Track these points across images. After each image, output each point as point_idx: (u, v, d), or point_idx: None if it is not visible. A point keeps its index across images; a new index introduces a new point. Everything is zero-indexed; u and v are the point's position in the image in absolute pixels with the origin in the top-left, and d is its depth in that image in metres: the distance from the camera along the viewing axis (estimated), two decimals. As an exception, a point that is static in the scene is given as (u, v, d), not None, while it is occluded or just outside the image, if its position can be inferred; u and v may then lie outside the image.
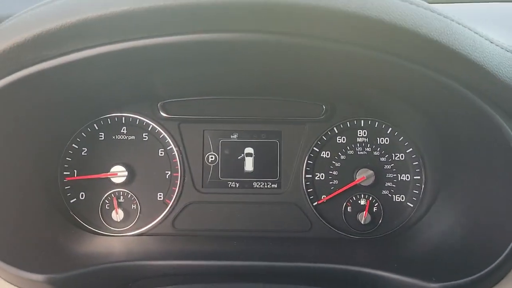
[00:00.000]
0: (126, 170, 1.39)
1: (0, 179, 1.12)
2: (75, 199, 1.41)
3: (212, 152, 1.44)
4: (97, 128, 1.43)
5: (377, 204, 1.42)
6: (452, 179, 1.25)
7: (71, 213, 1.40)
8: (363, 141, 1.43)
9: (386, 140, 1.43)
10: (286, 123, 1.43)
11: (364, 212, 1.39)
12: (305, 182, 1.42)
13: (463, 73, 0.88)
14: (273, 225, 1.41)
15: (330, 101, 1.41)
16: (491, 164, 1.05)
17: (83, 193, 1.42)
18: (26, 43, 0.85)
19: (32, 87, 0.98)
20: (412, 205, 1.41)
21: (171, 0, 0.80)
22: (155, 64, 1.06)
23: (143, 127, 1.43)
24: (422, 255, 1.21)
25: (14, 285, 1.05)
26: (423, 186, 1.40)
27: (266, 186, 1.44)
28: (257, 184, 1.44)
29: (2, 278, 1.05)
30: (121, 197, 1.42)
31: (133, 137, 1.43)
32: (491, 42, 0.88)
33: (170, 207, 1.42)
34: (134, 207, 1.42)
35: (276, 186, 1.44)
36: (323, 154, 1.43)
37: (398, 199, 1.42)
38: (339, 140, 1.44)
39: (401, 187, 1.42)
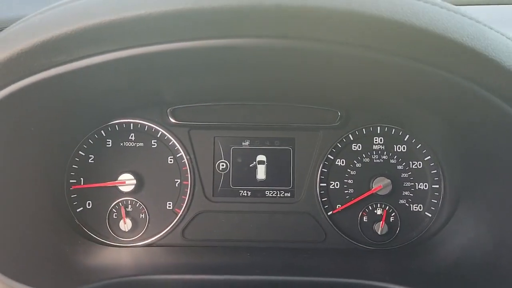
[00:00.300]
0: (135, 178, 1.36)
1: (4, 187, 1.07)
2: (81, 208, 1.37)
3: (223, 160, 1.40)
4: (104, 134, 1.39)
5: (394, 214, 1.37)
6: (474, 189, 1.20)
7: (78, 222, 1.36)
8: (380, 148, 1.39)
9: (403, 147, 1.39)
10: (300, 130, 1.39)
11: (381, 222, 1.36)
12: (320, 191, 1.38)
13: (495, 81, 0.83)
14: (286, 235, 1.38)
15: (345, 107, 1.37)
16: (518, 174, 1.01)
17: (90, 201, 1.38)
18: (35, 49, 0.80)
19: (39, 93, 0.94)
20: (430, 215, 1.37)
21: (186, 4, 0.75)
22: (167, 70, 1.02)
23: (152, 134, 1.39)
24: (442, 269, 1.17)
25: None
26: (442, 195, 1.36)
27: (279, 195, 1.40)
28: (270, 193, 1.40)
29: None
30: (129, 206, 1.38)
31: (141, 144, 1.39)
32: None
33: (179, 217, 1.38)
34: (142, 217, 1.38)
35: (289, 195, 1.40)
36: (338, 162, 1.39)
37: (415, 208, 1.38)
38: (354, 148, 1.40)
39: (419, 196, 1.38)
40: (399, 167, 1.38)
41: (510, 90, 0.83)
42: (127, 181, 1.35)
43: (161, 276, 1.12)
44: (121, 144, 1.39)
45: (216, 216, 1.38)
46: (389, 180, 1.34)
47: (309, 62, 0.95)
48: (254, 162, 1.41)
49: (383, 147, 1.39)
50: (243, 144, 1.41)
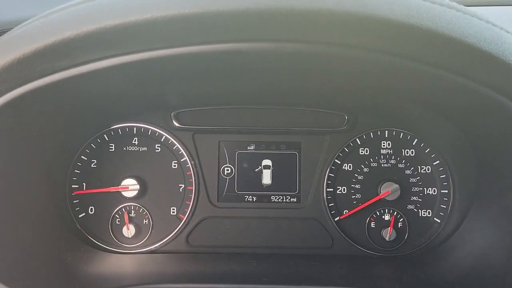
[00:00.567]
0: (138, 184, 1.33)
1: (4, 192, 1.05)
2: (84, 213, 1.35)
3: (228, 164, 1.38)
4: (107, 139, 1.36)
5: (402, 219, 1.35)
6: (486, 194, 1.18)
7: (80, 228, 1.34)
8: (387, 153, 1.37)
9: (412, 151, 1.37)
10: (306, 134, 1.37)
11: (389, 228, 1.33)
12: (326, 196, 1.36)
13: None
14: (293, 241, 1.35)
15: (352, 110, 1.35)
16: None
17: (93, 207, 1.35)
18: (37, 53, 0.78)
19: (42, 98, 0.92)
20: (439, 221, 1.34)
21: (192, 9, 0.73)
22: (172, 74, 0.99)
23: (156, 138, 1.37)
24: (452, 277, 1.14)
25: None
26: (451, 201, 1.34)
27: (285, 200, 1.37)
28: (276, 198, 1.37)
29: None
30: (133, 211, 1.36)
31: (145, 148, 1.37)
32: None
33: (183, 222, 1.35)
34: (146, 222, 1.36)
35: (295, 200, 1.37)
36: (345, 166, 1.37)
37: (424, 214, 1.35)
38: (361, 152, 1.37)
39: (428, 202, 1.35)
40: (408, 171, 1.36)
41: (528, 96, 0.81)
42: (130, 186, 1.33)
43: (165, 285, 1.10)
44: (124, 148, 1.36)
45: (221, 222, 1.36)
46: (397, 185, 1.32)
47: (317, 66, 0.93)
48: (260, 167, 1.38)
49: (391, 151, 1.37)
50: (248, 148, 1.38)
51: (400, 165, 1.36)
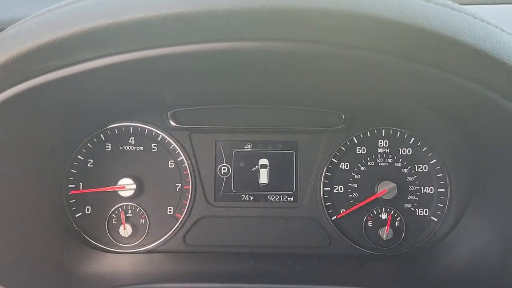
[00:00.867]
0: (134, 183, 1.33)
1: (0, 192, 1.05)
2: (80, 213, 1.34)
3: (224, 164, 1.38)
4: (103, 138, 1.36)
5: (399, 218, 1.35)
6: (482, 193, 1.18)
7: (76, 228, 1.33)
8: (384, 151, 1.37)
9: (409, 150, 1.36)
10: (303, 133, 1.37)
11: (386, 227, 1.33)
12: (323, 195, 1.35)
13: (508, 85, 0.80)
14: (290, 240, 1.35)
15: (349, 109, 1.34)
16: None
17: (89, 207, 1.35)
18: (31, 53, 0.78)
19: (36, 98, 0.92)
20: (436, 220, 1.34)
21: (189, 7, 0.73)
22: (168, 73, 0.99)
23: (152, 138, 1.36)
24: (450, 276, 1.14)
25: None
26: (448, 199, 1.34)
27: (281, 200, 1.37)
28: (272, 197, 1.37)
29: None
30: (129, 211, 1.36)
31: (141, 148, 1.36)
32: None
33: (180, 222, 1.35)
34: (142, 222, 1.35)
35: (292, 199, 1.37)
36: (342, 165, 1.37)
37: (421, 213, 1.35)
38: (358, 151, 1.37)
39: (425, 201, 1.35)
40: (405, 170, 1.36)
41: (523, 94, 0.80)
42: (126, 186, 1.33)
43: (162, 284, 1.09)
44: (121, 148, 1.36)
45: (218, 221, 1.36)
46: (394, 184, 1.32)
47: (313, 66, 0.92)
48: (257, 166, 1.38)
49: (388, 150, 1.36)
50: (245, 147, 1.38)
51: (397, 164, 1.36)
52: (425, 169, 1.36)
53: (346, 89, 1.20)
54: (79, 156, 1.35)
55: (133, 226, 1.34)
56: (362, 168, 1.36)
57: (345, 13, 0.71)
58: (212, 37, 0.77)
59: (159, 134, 1.36)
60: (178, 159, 1.36)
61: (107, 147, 1.36)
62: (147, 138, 1.36)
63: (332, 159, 1.36)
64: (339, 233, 1.35)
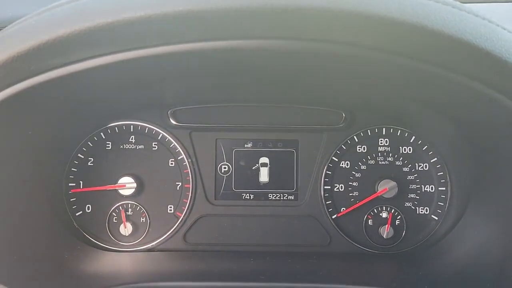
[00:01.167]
0: (135, 182, 1.33)
1: (1, 191, 1.05)
2: (81, 212, 1.34)
3: (225, 162, 1.38)
4: (104, 137, 1.36)
5: (399, 217, 1.35)
6: (483, 192, 1.18)
7: (77, 226, 1.33)
8: (385, 150, 1.37)
9: (409, 149, 1.36)
10: (304, 132, 1.37)
11: (386, 225, 1.33)
12: (324, 194, 1.36)
13: (509, 83, 0.80)
14: (290, 239, 1.35)
15: (350, 108, 1.34)
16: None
17: (90, 205, 1.35)
18: (31, 51, 0.77)
19: (36, 97, 0.92)
20: (437, 218, 1.34)
21: (190, 6, 0.72)
22: (169, 72, 0.99)
23: (153, 136, 1.36)
24: (451, 274, 1.14)
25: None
26: (448, 198, 1.34)
27: (282, 198, 1.37)
28: (273, 196, 1.37)
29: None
30: (130, 209, 1.36)
31: (142, 146, 1.37)
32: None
33: (181, 220, 1.35)
34: (143, 220, 1.36)
35: (293, 198, 1.37)
36: (342, 164, 1.37)
37: (422, 211, 1.35)
38: (359, 149, 1.37)
39: (425, 199, 1.35)
40: (405, 169, 1.36)
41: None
42: (127, 184, 1.33)
43: (163, 283, 1.09)
44: (121, 146, 1.36)
45: (218, 220, 1.36)
46: (394, 183, 1.32)
47: (316, 64, 0.92)
48: (257, 165, 1.38)
49: (389, 148, 1.36)
50: (245, 146, 1.38)
51: (397, 163, 1.36)
52: (426, 167, 1.36)
53: (346, 88, 1.20)
54: (79, 155, 1.35)
55: (134, 225, 1.34)
56: (363, 167, 1.36)
57: (347, 12, 0.71)
58: (214, 36, 0.77)
59: (160, 133, 1.36)
60: (179, 158, 1.36)
61: (107, 145, 1.36)
62: (147, 136, 1.36)
63: (333, 158, 1.36)
64: (340, 231, 1.35)
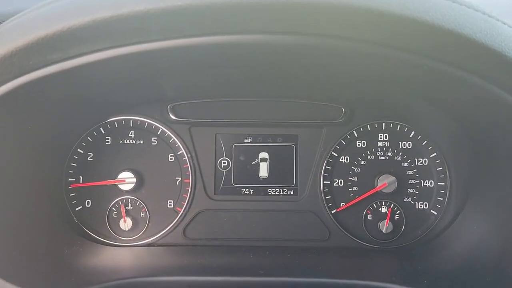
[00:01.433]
0: (134, 177, 1.34)
1: (1, 186, 1.05)
2: (80, 207, 1.35)
3: (224, 157, 1.38)
4: (103, 132, 1.36)
5: (399, 212, 1.36)
6: (482, 187, 1.19)
7: (77, 221, 1.34)
8: (384, 145, 1.37)
9: (409, 144, 1.37)
10: (303, 127, 1.37)
11: (386, 220, 1.34)
12: (323, 189, 1.36)
13: (509, 78, 0.80)
14: (290, 234, 1.36)
15: (349, 103, 1.35)
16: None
17: (89, 200, 1.36)
18: (30, 46, 0.78)
19: (36, 92, 0.92)
20: (436, 213, 1.35)
21: (190, 1, 0.72)
22: (169, 67, 0.99)
23: (152, 131, 1.37)
24: (450, 269, 1.15)
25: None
26: (448, 193, 1.35)
27: (281, 193, 1.38)
28: (272, 190, 1.38)
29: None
30: (129, 204, 1.36)
31: (141, 141, 1.37)
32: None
33: (180, 215, 1.36)
34: (143, 215, 1.36)
35: (292, 193, 1.38)
36: (342, 159, 1.37)
37: (421, 206, 1.36)
38: (358, 145, 1.37)
39: (425, 194, 1.36)
40: (404, 164, 1.36)
41: (524, 88, 0.81)
42: (126, 180, 1.33)
43: (162, 278, 1.10)
44: (121, 141, 1.37)
45: (218, 215, 1.37)
46: (394, 178, 1.33)
47: (315, 58, 0.92)
48: (257, 160, 1.39)
49: (388, 143, 1.37)
50: (245, 141, 1.39)
51: (397, 158, 1.37)
52: (425, 162, 1.36)
53: (346, 83, 1.20)
54: (79, 150, 1.35)
55: (133, 220, 1.35)
56: (362, 162, 1.37)
57: (348, 7, 0.72)
58: (215, 31, 0.77)
59: (159, 128, 1.36)
60: (178, 153, 1.37)
61: (107, 140, 1.37)
62: (147, 131, 1.37)
63: (332, 153, 1.37)
64: (339, 226, 1.36)
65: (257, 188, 1.38)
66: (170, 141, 1.37)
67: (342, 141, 1.37)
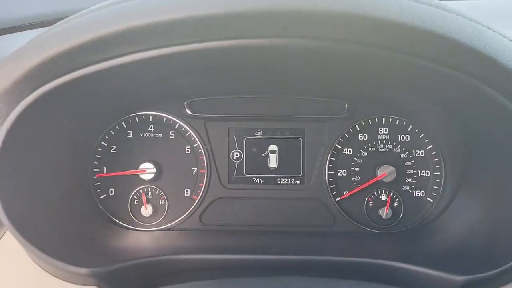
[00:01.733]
0: (154, 167, 1.42)
1: (39, 177, 1.15)
2: (105, 195, 1.44)
3: (237, 149, 1.48)
4: (125, 126, 1.45)
5: (398, 199, 1.45)
6: (474, 176, 1.28)
7: (101, 208, 1.43)
8: (384, 138, 1.46)
9: (407, 137, 1.46)
10: (309, 121, 1.46)
11: (386, 207, 1.43)
12: (328, 178, 1.45)
13: (493, 76, 0.91)
14: (297, 220, 1.45)
15: (352, 99, 1.43)
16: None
17: (113, 189, 1.45)
18: (76, 49, 0.88)
19: (75, 89, 1.01)
20: (432, 200, 1.44)
21: (215, 9, 0.83)
22: (191, 67, 1.09)
23: (170, 125, 1.46)
24: (445, 249, 1.24)
25: (58, 278, 1.09)
26: (442, 182, 1.43)
27: (289, 182, 1.47)
28: (281, 180, 1.48)
29: (47, 271, 1.09)
30: (150, 193, 1.45)
31: (160, 135, 1.46)
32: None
33: (197, 203, 1.45)
34: (162, 203, 1.45)
35: (299, 182, 1.47)
36: (345, 151, 1.46)
37: (418, 194, 1.45)
38: (360, 137, 1.46)
39: (421, 183, 1.45)
40: (403, 155, 1.45)
41: (507, 85, 0.91)
42: (147, 170, 1.42)
43: (180, 256, 1.20)
44: (141, 135, 1.45)
45: (231, 202, 1.46)
46: (393, 168, 1.42)
47: (322, 60, 1.02)
48: (266, 152, 1.48)
49: (388, 136, 1.46)
50: (256, 134, 1.48)
51: (396, 150, 1.45)
52: (422, 154, 1.45)
53: (349, 81, 1.29)
54: (103, 143, 1.44)
55: (154, 207, 1.44)
56: (364, 154, 1.46)
57: (354, 15, 0.82)
58: (236, 35, 0.87)
59: (177, 122, 1.46)
60: (194, 145, 1.46)
61: (128, 134, 1.46)
62: (165, 126, 1.46)
63: (336, 145, 1.46)
64: (343, 213, 1.45)
65: (267, 178, 1.48)
66: (187, 134, 1.46)
67: (345, 134, 1.45)
